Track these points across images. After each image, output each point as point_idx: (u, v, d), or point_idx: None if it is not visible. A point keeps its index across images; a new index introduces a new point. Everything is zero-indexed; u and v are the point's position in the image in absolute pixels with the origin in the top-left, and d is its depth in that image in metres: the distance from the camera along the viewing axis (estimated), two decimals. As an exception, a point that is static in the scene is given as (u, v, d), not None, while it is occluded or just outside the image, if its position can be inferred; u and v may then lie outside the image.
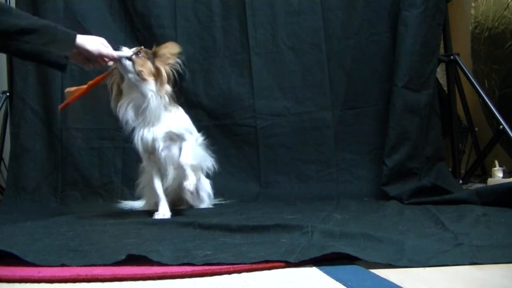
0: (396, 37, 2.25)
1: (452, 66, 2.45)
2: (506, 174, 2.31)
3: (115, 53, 1.71)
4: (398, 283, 0.91)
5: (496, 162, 2.32)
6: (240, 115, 2.47)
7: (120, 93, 1.82)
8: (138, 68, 1.75)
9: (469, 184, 2.41)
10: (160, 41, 2.45)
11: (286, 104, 2.46)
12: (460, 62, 2.40)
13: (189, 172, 1.78)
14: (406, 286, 0.89)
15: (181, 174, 1.83)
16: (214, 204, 2.13)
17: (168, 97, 1.80)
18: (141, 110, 1.78)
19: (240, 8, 2.49)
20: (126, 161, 2.48)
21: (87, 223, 1.68)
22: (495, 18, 2.63)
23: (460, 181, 2.37)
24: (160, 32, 2.51)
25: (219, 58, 2.49)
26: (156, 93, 1.77)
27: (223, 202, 2.23)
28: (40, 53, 1.52)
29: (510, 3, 2.53)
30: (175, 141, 1.82)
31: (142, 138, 1.79)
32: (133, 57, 1.74)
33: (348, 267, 1.03)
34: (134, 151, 2.42)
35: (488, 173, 2.47)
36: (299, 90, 2.46)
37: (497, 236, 1.20)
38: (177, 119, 1.84)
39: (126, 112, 1.79)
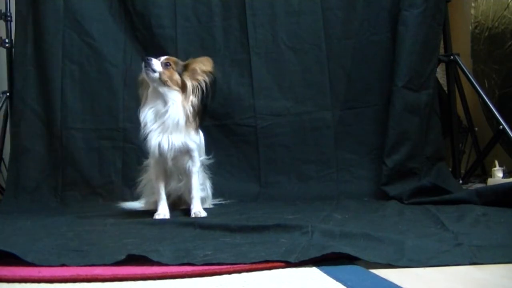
0: (396, 37, 2.25)
1: (452, 66, 2.45)
2: (506, 174, 2.31)
3: None
4: (398, 283, 0.91)
5: (496, 162, 2.32)
6: (240, 115, 2.46)
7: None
8: (164, 78, 1.78)
9: (469, 184, 2.41)
10: (160, 41, 2.48)
11: (286, 104, 2.46)
12: (460, 62, 2.40)
13: (196, 202, 1.83)
14: (406, 286, 0.89)
15: (184, 181, 1.87)
16: (214, 204, 2.13)
17: (192, 111, 1.80)
18: (160, 114, 1.79)
19: (240, 8, 2.49)
20: (126, 161, 2.48)
21: (87, 223, 1.68)
22: (495, 18, 2.63)
23: (460, 181, 2.37)
24: (160, 32, 2.51)
25: (219, 58, 2.48)
26: (179, 102, 1.79)
27: (223, 202, 2.22)
28: None
29: (510, 3, 2.53)
30: (185, 154, 1.83)
31: (159, 144, 1.79)
32: (161, 69, 1.76)
33: (348, 267, 1.03)
34: (134, 151, 2.45)
35: (488, 173, 2.47)
36: (299, 90, 2.46)
37: (497, 236, 1.20)
38: (195, 136, 1.85)
39: (146, 115, 1.80)
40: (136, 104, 2.44)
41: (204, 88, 1.81)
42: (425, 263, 1.02)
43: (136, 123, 2.42)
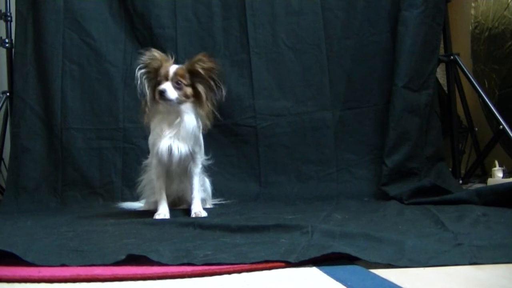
0: (396, 37, 2.25)
1: (452, 66, 2.45)
2: (506, 174, 2.31)
3: None
4: (398, 283, 0.91)
5: (496, 162, 2.32)
6: (240, 115, 2.46)
7: (154, 97, 1.79)
8: (180, 98, 1.75)
9: (469, 184, 2.41)
10: (160, 41, 2.48)
11: (286, 104, 2.46)
12: (460, 62, 2.40)
13: (197, 202, 1.83)
14: (406, 286, 0.89)
15: (185, 182, 1.88)
16: (214, 204, 2.13)
17: (206, 120, 1.79)
18: (172, 125, 1.78)
19: (240, 8, 2.49)
20: (126, 161, 2.48)
21: (87, 223, 1.68)
22: (495, 18, 2.63)
23: (460, 181, 2.37)
24: (160, 32, 2.51)
25: (219, 58, 2.48)
26: (192, 112, 1.78)
27: (223, 202, 2.22)
28: None
29: (510, 3, 2.53)
30: (189, 157, 1.83)
31: (168, 148, 1.76)
32: (176, 95, 1.74)
33: (348, 267, 1.03)
34: (134, 151, 2.45)
35: (488, 173, 2.47)
36: (299, 90, 2.46)
37: (497, 236, 1.20)
38: (201, 139, 1.86)
39: (159, 127, 1.79)
40: (136, 104, 2.46)
41: (215, 86, 1.78)
42: (425, 263, 1.02)
43: (136, 123, 2.44)
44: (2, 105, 2.55)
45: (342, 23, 2.42)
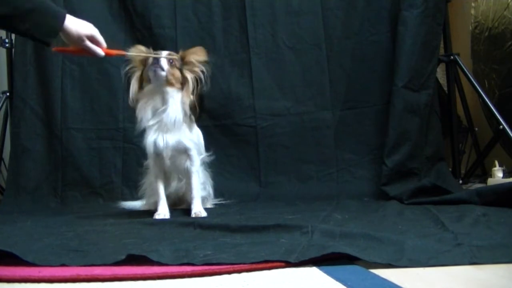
0: (396, 37, 2.25)
1: (452, 66, 2.45)
2: (506, 174, 2.30)
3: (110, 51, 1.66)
4: (398, 283, 0.91)
5: (496, 162, 2.32)
6: (240, 115, 2.46)
7: (141, 86, 1.81)
8: (170, 77, 1.75)
9: (469, 184, 2.41)
10: (160, 41, 2.48)
11: (286, 104, 2.45)
12: (460, 62, 2.40)
13: (197, 202, 1.82)
14: (406, 286, 0.89)
15: (184, 181, 1.88)
16: (214, 204, 2.13)
17: (189, 109, 1.78)
18: (157, 112, 1.77)
19: (240, 8, 2.49)
20: (126, 161, 2.48)
21: (87, 223, 1.68)
22: (495, 18, 2.63)
23: (460, 181, 2.37)
24: (160, 32, 2.51)
25: (219, 58, 2.48)
26: (179, 100, 1.77)
27: (223, 202, 2.22)
28: (25, 35, 1.52)
29: (510, 3, 2.53)
30: (182, 153, 1.82)
31: (154, 142, 1.78)
32: (168, 68, 1.74)
33: (348, 267, 1.03)
34: (134, 151, 2.45)
35: (488, 173, 2.47)
36: (299, 90, 2.46)
37: (497, 236, 1.20)
38: (191, 134, 1.84)
39: (144, 111, 1.78)
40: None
41: (202, 79, 1.79)
42: (425, 263, 1.02)
43: (136, 123, 2.43)
44: (2, 105, 2.54)
45: (342, 23, 2.42)
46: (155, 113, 1.78)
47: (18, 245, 1.22)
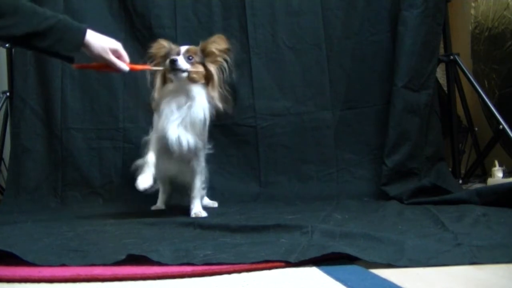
0: (396, 37, 2.25)
1: (452, 66, 2.45)
2: (506, 174, 2.31)
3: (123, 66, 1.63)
4: (398, 283, 0.91)
5: (496, 162, 2.32)
6: (240, 115, 2.46)
7: (164, 83, 1.75)
8: (192, 75, 1.70)
9: (469, 184, 2.41)
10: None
11: (286, 104, 2.45)
12: (460, 62, 2.40)
13: (197, 202, 1.80)
14: (406, 286, 0.89)
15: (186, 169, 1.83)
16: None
17: (218, 103, 1.71)
18: (181, 108, 1.69)
19: (240, 8, 2.49)
20: (126, 161, 2.47)
21: (87, 223, 1.68)
22: (495, 18, 2.63)
23: (460, 181, 2.37)
24: (160, 32, 2.50)
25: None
26: (204, 96, 1.71)
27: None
28: (46, 52, 1.53)
29: (510, 3, 2.53)
30: (193, 153, 1.76)
31: (176, 139, 1.68)
32: (188, 67, 1.68)
33: (348, 267, 1.03)
34: (134, 151, 2.44)
35: (488, 173, 2.47)
36: (299, 90, 2.46)
37: (497, 236, 1.20)
38: (205, 132, 1.78)
39: (167, 107, 1.70)
40: (136, 103, 2.46)
41: (227, 69, 1.72)
42: (425, 263, 1.02)
43: (136, 123, 2.44)
44: (2, 105, 2.55)
45: (342, 23, 2.42)
46: (178, 108, 1.70)
47: (18, 245, 1.22)
